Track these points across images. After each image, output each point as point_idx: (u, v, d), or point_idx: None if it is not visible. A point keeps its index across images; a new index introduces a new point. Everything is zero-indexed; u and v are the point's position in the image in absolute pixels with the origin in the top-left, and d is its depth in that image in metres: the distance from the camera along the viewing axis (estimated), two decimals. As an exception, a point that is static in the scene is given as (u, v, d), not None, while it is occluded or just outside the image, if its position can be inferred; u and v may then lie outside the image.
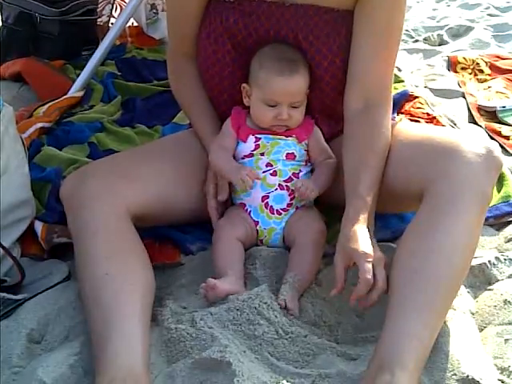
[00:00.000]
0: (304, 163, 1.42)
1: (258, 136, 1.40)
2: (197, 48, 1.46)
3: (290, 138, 1.40)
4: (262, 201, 1.39)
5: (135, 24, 2.80)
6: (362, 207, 1.25)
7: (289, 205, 1.39)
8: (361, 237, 1.20)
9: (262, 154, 1.39)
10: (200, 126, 1.48)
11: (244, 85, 1.40)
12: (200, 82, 1.49)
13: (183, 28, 1.46)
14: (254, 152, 1.40)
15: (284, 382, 1.08)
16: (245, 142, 1.41)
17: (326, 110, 1.45)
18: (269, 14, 1.37)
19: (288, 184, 1.39)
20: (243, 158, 1.41)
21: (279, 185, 1.38)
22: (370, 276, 1.15)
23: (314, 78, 1.39)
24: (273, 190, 1.38)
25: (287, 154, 1.39)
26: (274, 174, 1.38)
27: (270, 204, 1.38)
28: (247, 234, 1.38)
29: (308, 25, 1.36)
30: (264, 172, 1.38)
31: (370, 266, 1.16)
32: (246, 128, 1.41)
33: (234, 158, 1.42)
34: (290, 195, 1.39)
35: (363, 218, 1.23)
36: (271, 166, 1.39)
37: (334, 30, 1.36)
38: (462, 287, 1.26)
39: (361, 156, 1.31)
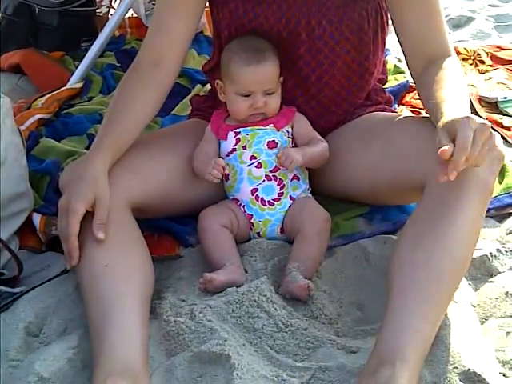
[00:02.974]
0: None
1: (237, 130, 1.41)
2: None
3: (268, 127, 1.40)
4: (252, 194, 1.38)
5: (134, 15, 2.78)
6: (453, 106, 1.15)
7: (280, 194, 1.38)
8: (460, 112, 1.10)
9: (244, 148, 1.40)
10: (108, 133, 1.32)
11: (217, 81, 1.42)
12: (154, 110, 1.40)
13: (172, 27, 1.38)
14: (236, 146, 1.40)
15: (283, 375, 1.08)
16: (225, 139, 1.41)
17: (335, 97, 1.45)
18: (280, 1, 1.36)
19: (275, 174, 1.38)
20: (228, 156, 1.41)
21: (266, 176, 1.38)
22: (467, 144, 1.03)
23: (326, 63, 1.39)
24: (260, 181, 1.38)
25: (268, 142, 1.39)
26: (259, 166, 1.38)
27: (260, 196, 1.38)
28: (232, 221, 1.37)
29: (320, 10, 1.36)
30: (249, 165, 1.38)
31: (470, 132, 1.04)
32: (225, 126, 1.42)
33: (220, 157, 1.42)
34: (278, 185, 1.38)
35: (460, 107, 1.14)
36: (255, 158, 1.39)
37: (346, 14, 1.36)
38: (463, 279, 1.25)
39: (436, 87, 1.25)
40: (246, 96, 1.37)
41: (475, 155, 1.05)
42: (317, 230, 1.34)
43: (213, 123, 1.44)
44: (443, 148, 1.05)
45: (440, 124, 1.12)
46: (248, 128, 1.41)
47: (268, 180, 1.39)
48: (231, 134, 1.41)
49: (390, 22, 1.44)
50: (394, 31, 1.41)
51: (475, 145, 1.05)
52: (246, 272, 1.31)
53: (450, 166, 1.05)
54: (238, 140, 1.41)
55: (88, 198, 1.21)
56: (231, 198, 1.42)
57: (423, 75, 1.34)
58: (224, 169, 1.34)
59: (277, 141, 1.40)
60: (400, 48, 1.40)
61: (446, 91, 1.23)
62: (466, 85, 1.31)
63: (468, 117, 1.07)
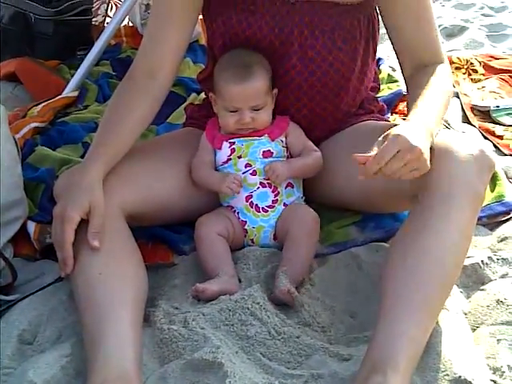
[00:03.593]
0: (284, 159, 1.43)
1: (232, 141, 1.42)
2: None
3: (262, 137, 1.41)
4: (246, 201, 1.39)
5: (130, 24, 2.79)
6: (419, 119, 1.21)
7: (274, 201, 1.39)
8: (407, 127, 1.15)
9: (240, 157, 1.41)
10: (103, 142, 1.32)
11: (211, 94, 1.44)
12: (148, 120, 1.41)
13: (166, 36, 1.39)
14: (231, 156, 1.41)
15: (276, 382, 1.08)
16: (220, 149, 1.42)
17: (329, 106, 1.46)
18: (273, 11, 1.37)
19: (269, 181, 1.40)
20: (222, 165, 1.42)
21: (260, 183, 1.39)
22: (383, 159, 1.11)
23: (319, 72, 1.40)
24: (255, 188, 1.39)
25: (263, 151, 1.41)
26: (254, 173, 1.40)
27: (254, 203, 1.39)
28: (228, 229, 1.38)
29: (313, 20, 1.37)
30: (244, 173, 1.40)
31: (392, 148, 1.11)
32: (220, 136, 1.43)
33: (215, 167, 1.43)
34: (273, 192, 1.40)
35: (420, 123, 1.19)
36: (250, 166, 1.40)
37: (339, 23, 1.38)
38: (455, 287, 1.26)
39: (420, 92, 1.30)
40: (233, 111, 1.38)
41: (392, 170, 1.12)
42: (305, 230, 1.35)
43: (207, 132, 1.45)
44: (357, 155, 1.13)
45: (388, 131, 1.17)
46: (242, 138, 1.42)
47: (262, 187, 1.39)
48: (226, 145, 1.42)
49: (381, 30, 1.46)
50: (385, 40, 1.43)
51: (395, 161, 1.11)
52: (240, 280, 1.32)
53: (361, 170, 1.13)
54: (233, 150, 1.41)
55: (83, 206, 1.21)
56: (225, 205, 1.43)
57: (412, 79, 1.39)
58: (240, 181, 1.37)
59: (272, 150, 1.41)
60: (393, 50, 1.44)
61: (422, 100, 1.27)
62: (447, 93, 1.35)
63: (398, 134, 1.12)
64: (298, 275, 1.30)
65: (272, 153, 1.41)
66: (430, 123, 1.21)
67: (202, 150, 1.44)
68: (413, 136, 1.13)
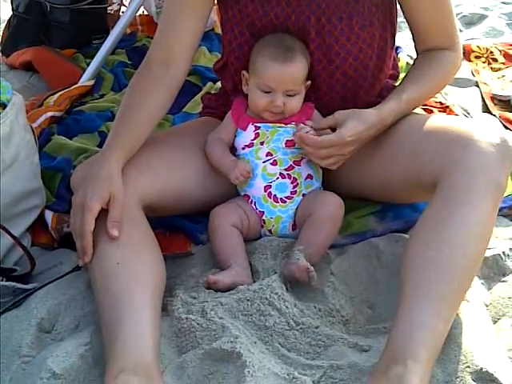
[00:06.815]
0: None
1: (258, 125, 1.40)
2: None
3: (289, 125, 1.40)
4: (265, 191, 1.38)
5: (145, 13, 2.78)
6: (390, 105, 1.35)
7: (293, 192, 1.38)
8: (361, 117, 1.31)
9: (262, 144, 1.39)
10: (121, 132, 1.32)
11: (243, 72, 1.41)
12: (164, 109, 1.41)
13: (179, 25, 1.39)
14: (254, 141, 1.40)
15: (295, 373, 1.07)
16: (244, 130, 1.41)
17: (348, 94, 1.44)
18: None
19: (289, 172, 1.38)
20: (243, 149, 1.41)
21: (280, 174, 1.38)
22: (323, 145, 1.29)
23: (337, 60, 1.39)
24: (274, 179, 1.38)
25: (287, 141, 1.39)
26: (275, 163, 1.38)
27: (273, 193, 1.38)
28: (243, 220, 1.37)
29: (330, 7, 1.36)
30: (264, 162, 1.38)
31: (332, 142, 1.29)
32: (246, 117, 1.42)
33: (235, 147, 1.43)
34: (292, 183, 1.38)
35: (386, 111, 1.33)
36: (271, 155, 1.39)
37: (356, 10, 1.36)
38: (476, 278, 1.25)
39: (409, 74, 1.42)
40: (266, 92, 1.37)
41: (319, 156, 1.31)
42: (329, 214, 1.33)
43: (233, 111, 1.44)
44: (305, 128, 1.32)
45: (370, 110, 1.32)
46: (269, 124, 1.40)
47: (282, 178, 1.38)
48: (251, 127, 1.41)
49: (399, 18, 1.45)
50: (404, 28, 1.42)
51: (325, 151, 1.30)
52: (257, 270, 1.31)
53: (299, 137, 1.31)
54: (257, 135, 1.40)
55: (103, 195, 1.21)
56: (243, 194, 1.42)
57: (416, 59, 1.45)
58: (249, 173, 1.36)
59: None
60: (410, 32, 1.46)
61: (407, 82, 1.39)
62: (440, 79, 1.43)
63: (342, 132, 1.28)
64: (313, 257, 1.29)
65: (295, 143, 1.39)
66: (398, 108, 1.35)
67: (223, 127, 1.43)
68: (356, 132, 1.29)
